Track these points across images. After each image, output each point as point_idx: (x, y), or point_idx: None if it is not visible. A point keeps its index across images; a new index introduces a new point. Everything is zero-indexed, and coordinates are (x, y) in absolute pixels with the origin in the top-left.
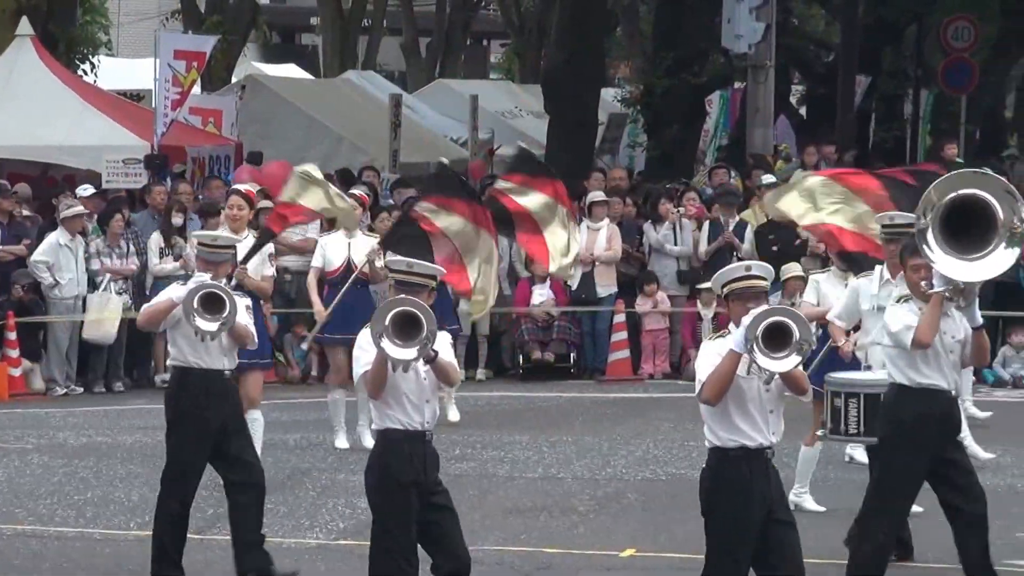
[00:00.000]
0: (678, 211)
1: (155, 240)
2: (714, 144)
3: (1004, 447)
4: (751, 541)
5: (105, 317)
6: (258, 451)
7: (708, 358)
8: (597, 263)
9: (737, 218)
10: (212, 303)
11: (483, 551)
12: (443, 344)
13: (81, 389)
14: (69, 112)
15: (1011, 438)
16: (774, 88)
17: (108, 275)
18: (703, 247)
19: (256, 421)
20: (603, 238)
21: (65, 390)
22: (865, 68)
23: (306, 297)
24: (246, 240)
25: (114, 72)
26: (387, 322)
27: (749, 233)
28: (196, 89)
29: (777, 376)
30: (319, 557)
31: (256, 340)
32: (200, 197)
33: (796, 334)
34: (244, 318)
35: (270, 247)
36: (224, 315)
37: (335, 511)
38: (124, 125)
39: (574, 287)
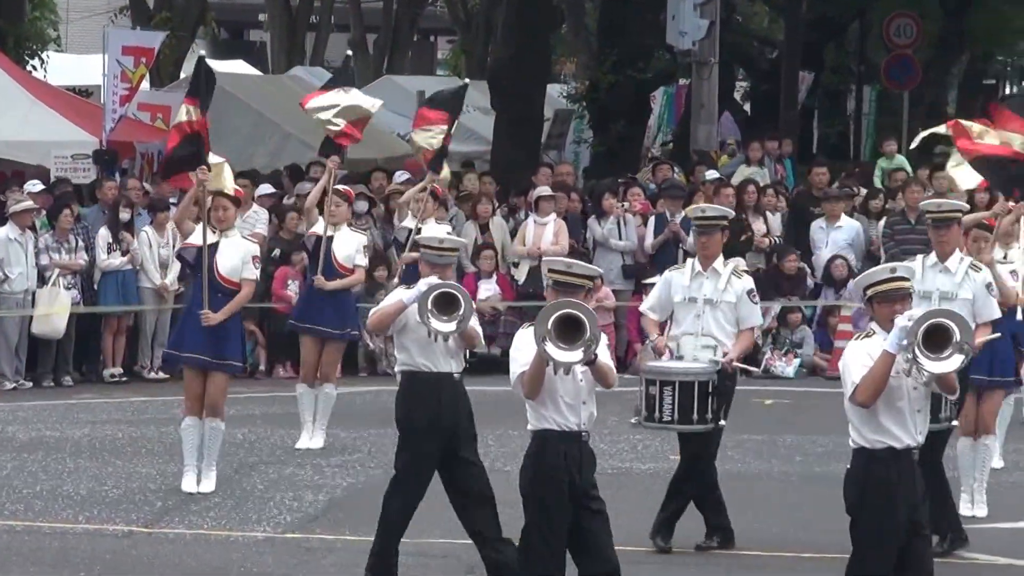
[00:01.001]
0: (622, 206)
1: (103, 235)
2: (659, 139)
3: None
4: (896, 544)
5: (54, 312)
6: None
7: (858, 359)
8: (544, 257)
9: (683, 212)
10: (446, 304)
11: (428, 544)
12: (601, 346)
13: (30, 383)
14: (18, 108)
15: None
16: (718, 84)
17: (57, 270)
18: (649, 240)
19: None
20: (550, 232)
21: (14, 384)
22: (808, 64)
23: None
24: (234, 238)
25: (63, 68)
26: (550, 325)
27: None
28: (145, 85)
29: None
30: (266, 550)
31: (483, 341)
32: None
33: (956, 334)
34: (475, 319)
35: (255, 249)
36: (459, 314)
37: (282, 504)
38: (73, 121)
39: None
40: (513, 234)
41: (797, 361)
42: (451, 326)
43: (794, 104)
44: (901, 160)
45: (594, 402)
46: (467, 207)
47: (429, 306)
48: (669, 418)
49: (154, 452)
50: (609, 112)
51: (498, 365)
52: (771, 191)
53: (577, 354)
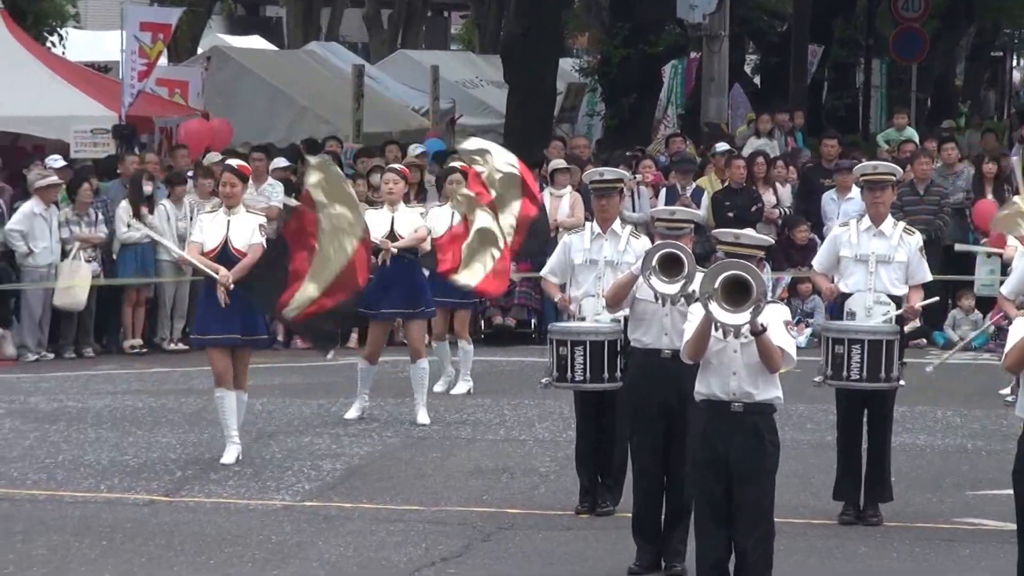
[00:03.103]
0: (635, 178)
1: (123, 208)
2: (670, 112)
3: (954, 408)
4: None
5: (75, 284)
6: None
7: (1017, 330)
8: (560, 229)
9: (694, 185)
10: (672, 265)
11: (446, 512)
12: (778, 327)
13: (52, 355)
14: (37, 83)
15: (960, 400)
16: (728, 58)
17: (77, 243)
18: None
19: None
20: (566, 204)
21: (36, 356)
22: (817, 37)
23: None
24: (239, 216)
25: (82, 44)
26: (716, 285)
27: (706, 199)
28: (162, 60)
29: None
30: (285, 518)
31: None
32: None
33: None
34: None
35: (262, 219)
36: (683, 274)
37: (300, 473)
38: (92, 96)
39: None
40: None
41: (808, 331)
42: (674, 287)
43: (804, 77)
44: (911, 132)
45: (759, 379)
46: None
47: (654, 263)
48: (857, 376)
49: (174, 422)
50: (621, 85)
51: (513, 336)
52: (781, 163)
53: (744, 316)
